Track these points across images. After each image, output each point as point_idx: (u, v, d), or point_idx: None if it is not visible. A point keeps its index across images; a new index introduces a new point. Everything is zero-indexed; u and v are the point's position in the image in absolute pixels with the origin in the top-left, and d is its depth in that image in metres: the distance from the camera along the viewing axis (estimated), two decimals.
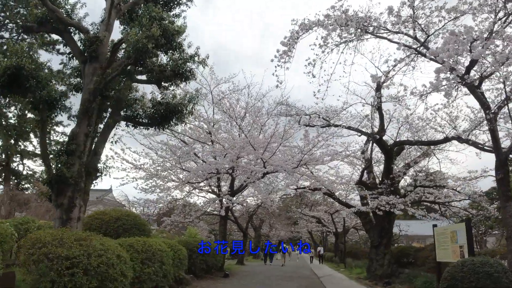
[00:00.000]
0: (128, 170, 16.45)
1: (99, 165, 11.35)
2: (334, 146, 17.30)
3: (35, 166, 42.04)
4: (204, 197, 21.03)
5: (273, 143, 15.15)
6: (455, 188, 17.84)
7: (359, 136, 19.47)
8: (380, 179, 17.80)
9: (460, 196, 19.07)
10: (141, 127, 12.31)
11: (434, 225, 12.68)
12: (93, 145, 11.00)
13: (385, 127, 15.29)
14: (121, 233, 13.02)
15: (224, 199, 15.06)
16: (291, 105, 16.33)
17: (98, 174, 11.18)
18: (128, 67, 11.67)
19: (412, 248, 21.25)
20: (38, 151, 40.65)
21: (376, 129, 17.23)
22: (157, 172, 16.13)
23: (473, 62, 9.16)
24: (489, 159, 14.67)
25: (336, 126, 17.41)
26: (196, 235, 32.98)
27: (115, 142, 12.01)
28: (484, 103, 9.89)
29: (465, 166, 18.09)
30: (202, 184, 19.61)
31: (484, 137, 15.05)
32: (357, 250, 29.69)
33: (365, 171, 18.55)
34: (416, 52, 9.87)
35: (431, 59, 9.90)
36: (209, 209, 20.49)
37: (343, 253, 27.89)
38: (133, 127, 12.37)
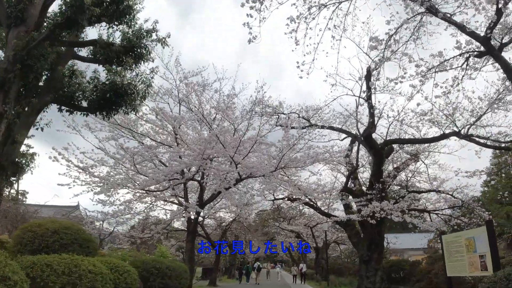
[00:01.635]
0: (75, 175, 13.43)
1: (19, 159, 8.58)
2: (316, 149, 14.94)
3: None
4: (170, 210, 18.11)
5: (246, 142, 12.62)
6: (451, 193, 15.74)
7: (341, 140, 17.29)
8: (368, 185, 15.53)
9: (450, 203, 17.11)
10: (79, 113, 9.53)
11: (442, 233, 10.41)
12: (11, 131, 8.24)
13: (376, 123, 13.07)
14: (57, 249, 10.16)
15: (189, 210, 12.25)
16: (268, 104, 13.95)
17: (15, 170, 8.36)
18: (65, 35, 9.11)
19: (405, 262, 18.90)
20: None
21: (362, 129, 15.06)
22: (110, 177, 13.23)
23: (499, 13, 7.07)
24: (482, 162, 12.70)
25: (318, 126, 15.13)
26: (167, 254, 29.77)
27: (41, 129, 9.19)
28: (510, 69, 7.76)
29: (456, 171, 15.87)
30: (167, 193, 16.78)
31: (482, 131, 13.14)
32: (340, 266, 27.21)
33: (350, 177, 16.27)
34: (427, 11, 7.66)
35: (443, 19, 7.76)
36: (175, 224, 17.50)
37: (325, 270, 25.34)
38: (67, 113, 9.60)
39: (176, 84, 14.31)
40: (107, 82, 9.42)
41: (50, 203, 35.55)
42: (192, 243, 16.11)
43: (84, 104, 9.54)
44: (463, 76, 9.89)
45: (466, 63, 9.51)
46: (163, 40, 10.51)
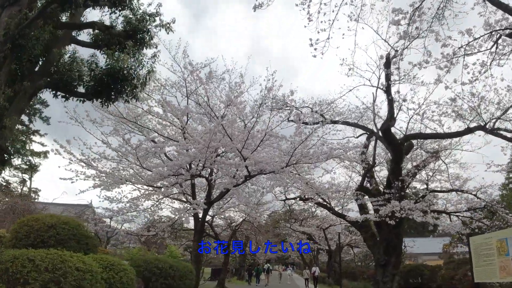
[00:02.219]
0: (77, 169, 12.79)
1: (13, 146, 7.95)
2: (330, 144, 14.00)
3: (9, 177, 39.14)
4: (176, 208, 17.35)
5: (255, 136, 11.78)
6: (474, 193, 14.61)
7: (356, 137, 16.35)
8: (385, 184, 14.53)
9: (471, 204, 15.94)
10: (75, 99, 8.87)
11: (469, 234, 9.41)
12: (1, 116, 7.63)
13: (395, 116, 12.10)
14: (53, 244, 9.63)
15: (195, 207, 11.44)
16: (278, 99, 13.09)
17: (6, 157, 7.73)
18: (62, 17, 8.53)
19: (424, 267, 17.73)
20: (14, 161, 37.65)
21: (379, 124, 14.12)
22: (114, 171, 12.56)
23: None
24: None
25: (333, 122, 14.23)
26: (176, 254, 29.11)
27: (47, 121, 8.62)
28: None
29: (476, 171, 14.76)
30: (174, 191, 16.08)
31: (508, 125, 12.06)
32: (353, 270, 26.09)
33: (367, 176, 15.29)
34: None
35: None
36: (185, 223, 16.75)
37: (338, 273, 24.28)
38: (63, 99, 8.94)
39: (183, 77, 13.64)
40: (105, 67, 8.76)
41: (64, 201, 35.40)
42: (199, 243, 15.32)
43: (81, 90, 8.88)
44: (491, 61, 8.92)
45: (495, 45, 8.55)
46: (168, 25, 9.85)
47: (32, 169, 42.31)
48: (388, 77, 11.22)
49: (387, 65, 11.13)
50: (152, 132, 14.10)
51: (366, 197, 17.02)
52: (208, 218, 19.58)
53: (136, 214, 15.37)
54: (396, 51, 11.20)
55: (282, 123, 14.59)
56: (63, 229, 10.11)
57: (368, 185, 15.79)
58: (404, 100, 11.97)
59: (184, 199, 16.99)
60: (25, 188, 41.81)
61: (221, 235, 24.44)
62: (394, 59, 10.72)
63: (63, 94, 8.84)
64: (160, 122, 14.41)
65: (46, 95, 8.95)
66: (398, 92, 12.32)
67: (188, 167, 12.97)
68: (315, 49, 7.15)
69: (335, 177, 17.42)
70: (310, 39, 7.04)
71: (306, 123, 13.42)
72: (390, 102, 11.74)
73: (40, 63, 8.69)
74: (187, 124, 13.37)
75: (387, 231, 13.59)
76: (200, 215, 15.48)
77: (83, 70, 8.86)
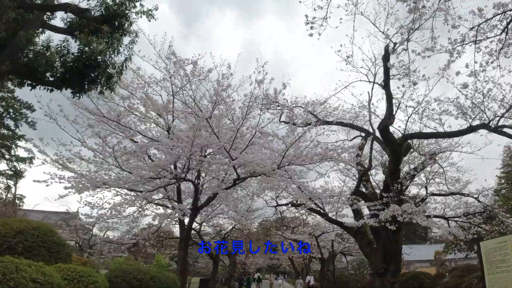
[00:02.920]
0: (53, 172, 11.63)
1: None
2: (323, 146, 13.10)
3: None
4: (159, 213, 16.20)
5: (244, 134, 10.84)
6: (476, 196, 13.84)
7: (350, 140, 15.51)
8: (382, 187, 13.66)
9: (471, 208, 15.16)
10: (43, 87, 7.85)
11: (480, 239, 8.55)
12: None
13: (394, 113, 11.28)
14: (20, 252, 8.69)
15: (178, 211, 10.36)
16: (270, 94, 12.18)
17: None
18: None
19: (425, 275, 16.82)
20: None
21: (376, 124, 13.32)
22: (89, 174, 11.44)
23: None
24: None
25: (326, 123, 13.41)
26: (163, 263, 27.77)
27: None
28: None
29: (474, 174, 14.02)
30: (158, 195, 15.01)
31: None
32: (347, 278, 25.08)
33: (362, 179, 14.41)
34: None
35: None
36: (165, 230, 15.57)
37: (331, 282, 23.26)
38: (30, 87, 7.93)
39: (167, 69, 12.58)
40: (76, 53, 7.78)
41: (47, 208, 33.82)
42: (185, 252, 14.22)
43: (48, 76, 7.87)
44: (501, 48, 8.17)
45: (506, 30, 7.79)
46: (149, 12, 8.94)
47: (17, 175, 40.93)
48: (387, 71, 10.44)
49: (386, 58, 10.34)
50: (135, 133, 13.08)
51: (362, 202, 16.15)
52: (195, 226, 18.49)
53: (117, 220, 14.20)
54: (395, 43, 10.47)
55: (273, 125, 13.78)
56: (32, 235, 9.09)
57: (364, 189, 14.93)
58: (403, 96, 11.19)
59: (170, 205, 15.89)
60: (9, 195, 40.33)
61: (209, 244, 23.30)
62: (401, 45, 9.92)
63: (29, 82, 7.82)
64: (142, 120, 13.39)
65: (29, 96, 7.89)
66: (398, 88, 11.51)
67: (172, 169, 11.95)
68: (312, 27, 6.28)
69: (329, 181, 16.65)
70: (306, 16, 6.19)
71: (295, 124, 12.56)
72: (389, 98, 10.94)
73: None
74: (172, 124, 12.38)
75: (386, 237, 12.70)
76: (187, 222, 14.41)
77: (53, 56, 7.87)
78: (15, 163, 39.38)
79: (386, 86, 10.78)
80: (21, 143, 40.89)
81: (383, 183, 13.44)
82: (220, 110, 9.69)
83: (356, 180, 14.30)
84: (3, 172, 38.64)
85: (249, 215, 19.03)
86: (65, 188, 9.54)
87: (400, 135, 12.58)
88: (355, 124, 13.77)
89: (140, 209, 15.61)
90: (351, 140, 15.17)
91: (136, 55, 11.18)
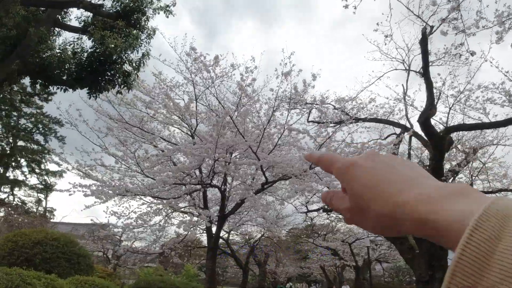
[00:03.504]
0: (75, 181, 11.23)
1: None
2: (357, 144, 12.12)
3: (25, 197, 38.95)
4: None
5: (272, 134, 10.04)
6: None
7: (384, 139, 14.46)
8: None
9: None
10: (56, 87, 7.36)
11: None
12: None
13: (435, 103, 10.20)
14: (38, 263, 8.29)
15: (204, 217, 9.62)
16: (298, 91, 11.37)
17: None
18: None
19: None
20: (29, 181, 37.43)
21: (413, 119, 12.25)
22: (111, 181, 10.97)
23: None
24: None
25: (358, 120, 12.44)
26: (191, 273, 27.13)
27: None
28: None
29: None
30: (184, 203, 14.41)
31: None
32: (385, 287, 23.60)
33: None
34: None
35: None
36: (191, 238, 14.89)
37: None
38: (42, 87, 7.47)
39: (191, 77, 12.04)
40: (90, 49, 7.27)
41: (77, 220, 34.11)
42: (213, 261, 13.48)
43: (61, 76, 7.39)
44: None
45: None
46: (167, 8, 8.38)
47: (48, 188, 41.90)
48: (425, 56, 9.42)
49: (424, 41, 9.34)
50: (159, 139, 12.53)
51: None
52: (223, 234, 17.76)
53: (143, 230, 13.66)
54: (432, 26, 9.51)
55: (301, 126, 12.94)
56: (51, 246, 8.66)
57: None
58: (443, 84, 10.12)
59: (197, 213, 15.25)
60: (40, 208, 41.20)
61: (238, 253, 22.49)
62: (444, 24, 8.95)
63: (41, 82, 7.38)
64: (165, 125, 12.85)
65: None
66: (439, 75, 10.45)
67: (197, 174, 11.30)
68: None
69: None
70: None
71: (323, 122, 11.68)
72: (429, 86, 9.88)
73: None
74: (196, 128, 11.77)
75: (430, 241, 11.49)
76: (214, 231, 13.70)
77: (65, 53, 7.40)
78: (45, 177, 40.29)
79: (425, 73, 9.74)
80: (51, 157, 42.01)
81: None
82: (245, 106, 8.93)
83: None
84: (34, 186, 39.53)
85: (279, 221, 18.13)
86: (85, 195, 9.04)
87: (441, 128, 11.44)
88: (390, 120, 12.72)
89: (166, 218, 15.06)
90: (384, 138, 14.12)
91: (157, 59, 10.68)
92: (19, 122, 36.71)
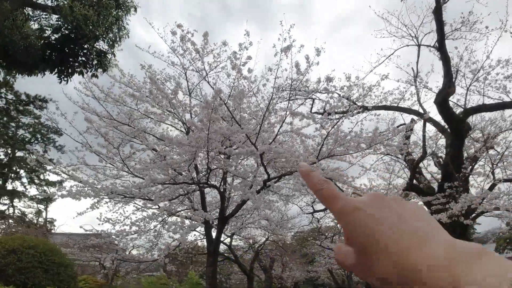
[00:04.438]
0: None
1: None
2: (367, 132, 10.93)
3: (25, 208, 38.31)
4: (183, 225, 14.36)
5: (273, 123, 8.91)
6: None
7: (397, 127, 13.32)
8: (441, 177, 11.26)
9: None
10: (15, 71, 6.26)
11: None
12: None
13: (454, 79, 9.04)
14: (12, 274, 7.19)
15: (198, 218, 8.45)
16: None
17: None
18: None
19: None
20: (29, 192, 36.74)
21: (426, 104, 11.10)
22: (96, 181, 9.86)
23: None
24: None
25: (366, 109, 11.29)
26: (195, 280, 25.86)
27: None
28: None
29: None
30: (181, 207, 13.31)
31: None
32: None
33: (416, 170, 12.07)
34: None
35: None
36: (181, 243, 13.61)
37: None
38: (6, 71, 6.38)
39: (183, 69, 10.89)
40: (55, 22, 6.16)
41: (78, 231, 33.00)
42: (214, 268, 12.28)
43: (22, 56, 6.27)
44: None
45: None
46: None
47: (48, 199, 41.22)
48: (440, 28, 8.30)
49: (438, 11, 8.21)
50: (151, 137, 11.38)
51: (413, 200, 13.79)
52: (224, 238, 16.55)
53: (137, 237, 12.50)
54: None
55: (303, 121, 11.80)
56: (27, 255, 7.51)
57: (416, 183, 12.59)
58: (461, 60, 8.96)
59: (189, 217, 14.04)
60: (40, 219, 40.40)
61: (242, 258, 21.25)
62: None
63: (3, 64, 6.28)
64: (157, 123, 11.70)
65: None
66: (456, 48, 9.31)
67: (192, 170, 10.14)
68: None
69: (373, 178, 14.23)
70: None
71: (333, 115, 10.54)
72: (446, 61, 8.74)
73: None
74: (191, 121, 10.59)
75: (456, 236, 10.30)
76: (215, 236, 12.51)
77: (29, 29, 6.30)
78: (45, 187, 39.41)
79: (441, 47, 8.61)
80: (50, 167, 41.12)
81: (442, 172, 11.08)
82: (241, 87, 7.75)
83: (409, 174, 11.96)
84: (34, 197, 38.75)
85: (284, 223, 16.92)
86: (62, 196, 7.90)
87: (459, 111, 10.26)
88: (400, 106, 11.57)
89: (162, 223, 13.87)
90: (398, 127, 12.97)
91: (147, 51, 9.60)
92: (17, 132, 36.04)
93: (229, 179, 13.47)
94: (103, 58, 6.60)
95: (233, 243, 20.08)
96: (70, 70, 6.48)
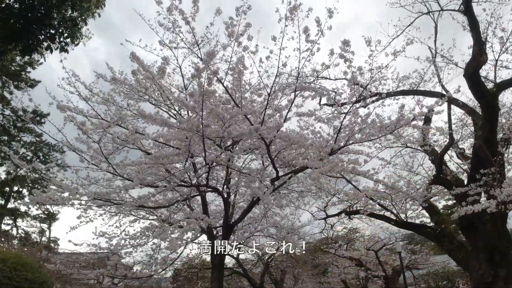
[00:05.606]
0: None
1: None
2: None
3: (27, 227, 37.42)
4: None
5: (279, 107, 7.58)
6: None
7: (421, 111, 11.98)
8: (471, 164, 9.79)
9: None
10: None
11: None
12: None
13: (485, 48, 7.71)
14: None
15: (193, 221, 7.03)
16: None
17: None
18: None
19: None
20: (32, 211, 35.87)
21: (451, 84, 9.80)
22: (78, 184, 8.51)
23: None
24: None
25: (381, 96, 9.96)
26: None
27: None
28: None
29: None
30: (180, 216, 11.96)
31: None
32: None
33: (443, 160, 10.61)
34: None
35: None
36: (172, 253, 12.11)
37: None
38: None
39: (176, 54, 9.46)
40: None
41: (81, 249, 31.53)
42: (220, 283, 10.82)
43: None
44: None
45: None
46: None
47: (51, 218, 40.26)
48: None
49: None
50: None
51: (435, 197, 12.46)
52: (229, 249, 14.97)
53: (131, 250, 11.11)
54: None
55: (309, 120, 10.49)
56: None
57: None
58: (487, 27, 7.65)
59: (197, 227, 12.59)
60: (44, 239, 39.35)
61: (251, 272, 19.62)
62: None
63: None
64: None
65: None
66: (484, 10, 7.98)
67: (189, 169, 8.80)
68: None
69: (390, 175, 12.78)
70: None
71: (343, 104, 9.24)
72: (475, 26, 7.43)
73: None
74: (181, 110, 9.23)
75: (492, 232, 8.83)
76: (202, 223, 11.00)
77: None
78: (48, 206, 38.49)
79: (467, 9, 7.33)
80: (53, 186, 40.18)
81: (472, 160, 9.64)
82: (239, 60, 6.41)
83: (432, 167, 10.52)
84: (37, 216, 37.89)
85: (295, 230, 15.42)
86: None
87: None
88: (420, 89, 10.23)
89: (161, 235, 12.43)
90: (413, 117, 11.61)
91: (138, 45, 8.38)
92: (19, 151, 35.25)
93: (232, 180, 12.16)
94: (73, 29, 5.38)
95: (241, 256, 18.55)
96: (36, 42, 5.25)
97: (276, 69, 6.45)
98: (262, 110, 6.94)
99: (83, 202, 8.79)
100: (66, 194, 6.57)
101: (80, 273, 12.11)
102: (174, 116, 9.92)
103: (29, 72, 27.19)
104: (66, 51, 5.69)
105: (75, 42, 5.63)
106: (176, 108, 7.90)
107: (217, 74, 5.34)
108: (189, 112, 6.35)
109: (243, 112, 6.09)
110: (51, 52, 5.71)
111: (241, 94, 6.86)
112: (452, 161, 11.41)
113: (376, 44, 6.99)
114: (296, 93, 6.79)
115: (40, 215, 38.91)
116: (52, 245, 36.93)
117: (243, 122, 7.10)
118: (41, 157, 35.68)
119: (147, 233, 11.61)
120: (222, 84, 6.25)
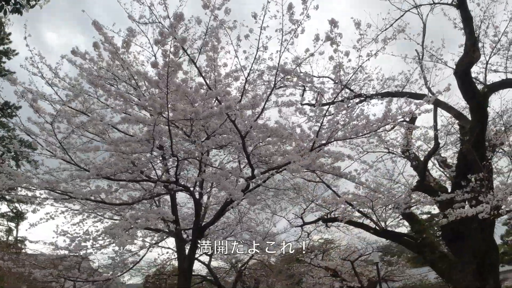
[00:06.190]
0: None
1: None
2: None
3: None
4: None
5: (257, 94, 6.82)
6: None
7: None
8: (456, 170, 9.29)
9: None
10: None
11: None
12: None
13: (477, 44, 7.23)
14: None
15: (157, 212, 6.10)
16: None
17: None
18: None
19: None
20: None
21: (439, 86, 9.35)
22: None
23: None
24: None
25: (366, 97, 9.37)
26: None
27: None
28: None
29: None
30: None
31: None
32: None
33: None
34: None
35: None
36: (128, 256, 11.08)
37: None
38: None
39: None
40: None
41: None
42: None
43: None
44: None
45: None
46: None
47: (19, 217, 38.13)
48: None
49: None
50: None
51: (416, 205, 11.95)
52: (198, 255, 13.98)
53: (92, 251, 10.04)
54: None
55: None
56: None
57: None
58: (480, 26, 7.20)
59: (167, 229, 11.60)
60: (11, 238, 37.19)
61: (224, 280, 18.61)
62: None
63: None
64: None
65: None
66: (478, 5, 7.54)
67: (154, 162, 7.91)
68: None
69: (372, 180, 12.20)
70: None
71: (325, 105, 8.62)
72: (468, 21, 6.96)
73: None
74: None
75: (479, 241, 8.28)
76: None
77: None
78: (16, 204, 36.56)
79: (461, 4, 6.86)
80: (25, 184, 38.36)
81: (457, 166, 9.14)
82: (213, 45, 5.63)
83: (419, 173, 9.96)
84: (5, 214, 35.87)
85: (272, 236, 14.60)
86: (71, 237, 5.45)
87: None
88: (406, 91, 9.73)
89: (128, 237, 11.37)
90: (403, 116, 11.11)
91: (135, 43, 7.34)
92: None
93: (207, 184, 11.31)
94: None
95: (213, 263, 17.53)
96: None
97: (256, 49, 5.70)
98: (240, 95, 6.16)
99: (37, 194, 7.79)
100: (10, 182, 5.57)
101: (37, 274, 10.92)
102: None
103: (4, 62, 25.61)
104: (20, 12, 4.79)
105: (31, 4, 4.76)
106: (144, 89, 7.00)
107: (185, 42, 4.53)
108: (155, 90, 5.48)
109: (215, 92, 5.28)
110: (5, 14, 4.80)
111: (215, 77, 6.07)
112: (435, 169, 10.92)
113: (366, 28, 6.34)
114: (277, 79, 6.03)
115: (8, 213, 36.96)
116: (19, 245, 35.09)
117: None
118: (12, 153, 34.06)
119: (109, 230, 10.57)
120: (195, 63, 5.43)
